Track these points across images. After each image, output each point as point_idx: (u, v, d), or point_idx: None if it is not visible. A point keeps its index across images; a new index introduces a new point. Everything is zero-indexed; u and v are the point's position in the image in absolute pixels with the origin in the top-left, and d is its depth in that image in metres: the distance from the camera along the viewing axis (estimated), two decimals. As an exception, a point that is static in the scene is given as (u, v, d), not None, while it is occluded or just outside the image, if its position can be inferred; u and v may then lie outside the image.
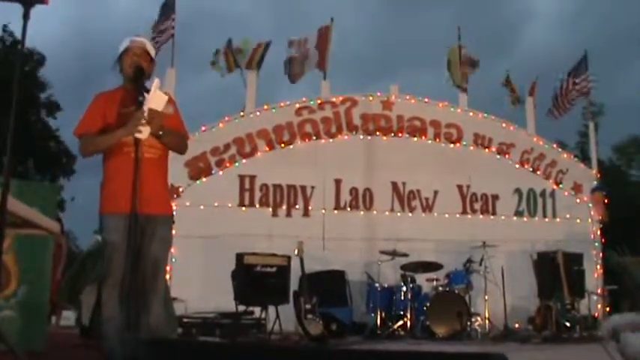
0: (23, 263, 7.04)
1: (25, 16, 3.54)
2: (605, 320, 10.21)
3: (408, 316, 10.48)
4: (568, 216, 14.00)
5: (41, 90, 30.89)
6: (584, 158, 18.30)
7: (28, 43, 3.73)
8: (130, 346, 1.98)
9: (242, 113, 13.10)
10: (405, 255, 11.24)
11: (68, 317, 14.21)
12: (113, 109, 4.75)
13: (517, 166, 14.00)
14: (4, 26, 30.00)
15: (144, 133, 4.43)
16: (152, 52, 4.98)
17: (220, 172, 12.63)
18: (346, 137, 13.33)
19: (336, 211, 12.99)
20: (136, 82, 4.66)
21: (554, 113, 15.46)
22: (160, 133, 4.59)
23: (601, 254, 13.80)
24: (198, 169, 12.45)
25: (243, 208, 12.63)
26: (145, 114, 4.43)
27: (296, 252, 10.09)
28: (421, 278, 11.28)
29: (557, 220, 13.96)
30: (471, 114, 14.09)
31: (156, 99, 4.52)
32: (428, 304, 10.49)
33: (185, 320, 9.87)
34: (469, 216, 13.55)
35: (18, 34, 27.48)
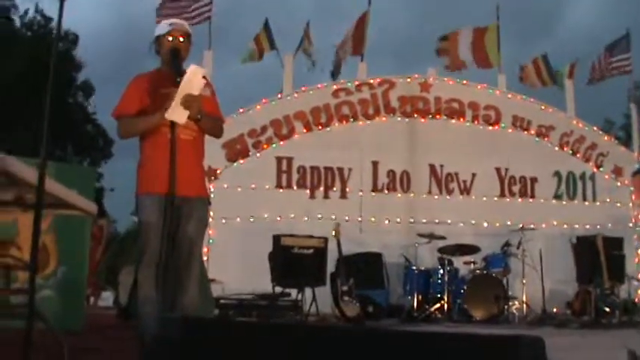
0: (62, 244, 7.13)
1: (62, -3, 3.52)
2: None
3: (445, 299, 10.44)
4: (608, 200, 13.84)
5: (77, 70, 31.06)
6: (629, 140, 17.97)
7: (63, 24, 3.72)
8: (164, 325, 1.98)
9: (279, 95, 13.09)
10: (443, 238, 11.18)
11: (107, 298, 14.37)
12: (151, 91, 4.76)
13: (556, 148, 13.84)
14: (37, 6, 30.18)
15: (182, 117, 4.44)
16: (190, 33, 4.97)
17: (258, 154, 12.63)
18: (384, 119, 13.25)
19: (373, 194, 12.94)
20: (173, 64, 4.67)
21: (592, 79, 15.36)
22: (199, 117, 4.59)
23: (642, 239, 13.64)
24: (236, 151, 12.46)
25: (281, 190, 12.63)
26: (181, 98, 4.43)
27: (333, 234, 10.11)
28: (458, 261, 11.21)
29: (597, 203, 13.80)
30: (510, 96, 13.94)
31: (192, 83, 4.52)
32: (465, 287, 10.44)
33: (222, 302, 9.93)
34: (507, 199, 13.43)
35: (52, 15, 27.72)
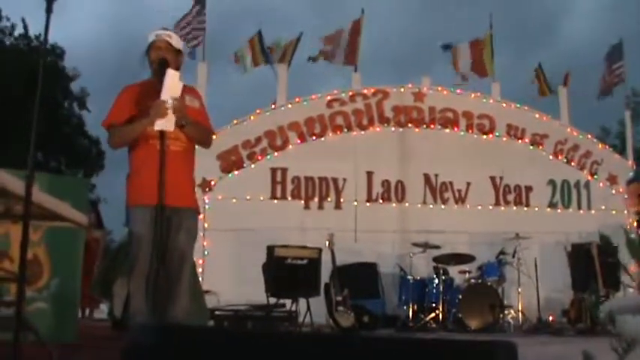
0: (55, 256, 7.11)
1: (48, 10, 3.55)
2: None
3: (441, 309, 10.45)
4: (603, 207, 13.83)
5: (70, 81, 30.95)
6: (624, 148, 18.03)
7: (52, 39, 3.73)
8: (140, 332, 1.99)
9: (273, 106, 13.11)
10: (438, 247, 11.19)
11: (104, 310, 14.32)
12: (141, 101, 4.78)
13: (551, 157, 13.85)
14: (24, 22, 30.01)
15: (169, 125, 4.45)
16: (179, 45, 4.98)
17: (252, 165, 12.62)
18: (378, 129, 13.26)
19: (368, 204, 12.94)
20: (160, 75, 4.68)
21: (602, 93, 15.43)
22: (183, 123, 4.60)
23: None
24: (230, 163, 12.46)
25: (275, 201, 12.63)
26: (167, 103, 4.44)
27: (327, 244, 10.11)
28: (454, 270, 11.22)
29: (592, 211, 13.80)
30: (504, 105, 13.95)
31: (171, 88, 4.53)
32: (460, 297, 10.44)
33: (217, 313, 9.93)
34: (502, 207, 13.44)
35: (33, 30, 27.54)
